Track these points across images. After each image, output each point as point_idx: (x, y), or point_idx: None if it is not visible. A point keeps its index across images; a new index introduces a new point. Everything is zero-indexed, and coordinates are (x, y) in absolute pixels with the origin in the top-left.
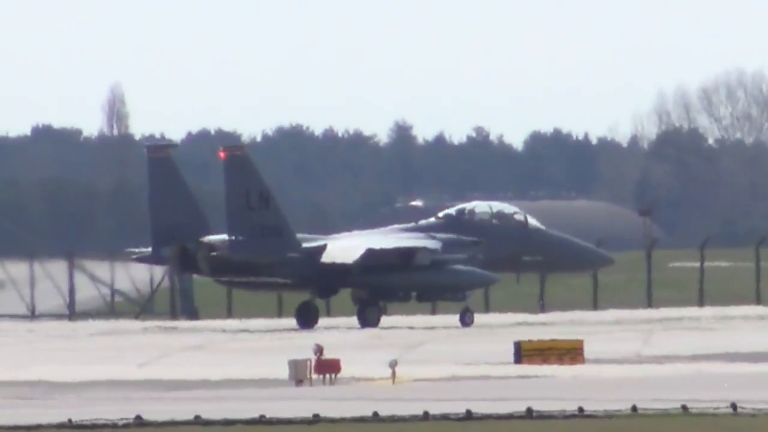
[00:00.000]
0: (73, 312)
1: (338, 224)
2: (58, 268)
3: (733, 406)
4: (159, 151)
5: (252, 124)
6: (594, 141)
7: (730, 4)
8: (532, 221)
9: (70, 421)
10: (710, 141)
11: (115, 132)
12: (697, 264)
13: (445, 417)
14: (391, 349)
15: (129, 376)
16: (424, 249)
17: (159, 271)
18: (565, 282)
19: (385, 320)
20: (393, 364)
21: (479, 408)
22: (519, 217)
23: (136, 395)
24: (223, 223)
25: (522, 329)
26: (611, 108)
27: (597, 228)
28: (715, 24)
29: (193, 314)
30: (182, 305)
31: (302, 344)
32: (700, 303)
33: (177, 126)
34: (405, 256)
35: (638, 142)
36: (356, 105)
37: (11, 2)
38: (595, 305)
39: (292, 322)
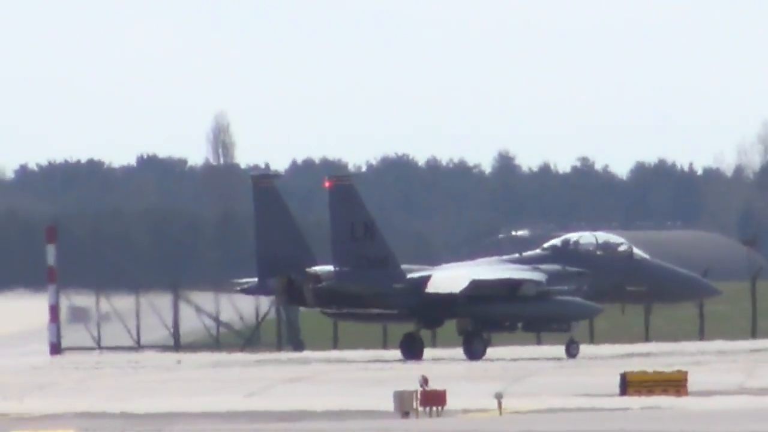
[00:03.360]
0: (178, 344)
1: (442, 255)
2: (163, 299)
3: None
4: (264, 180)
5: (357, 154)
6: (699, 171)
7: None
8: (637, 252)
9: None
10: None
11: (221, 161)
12: None
13: None
14: (497, 381)
15: (235, 408)
16: (530, 281)
17: (265, 303)
18: (670, 312)
19: (490, 351)
20: (499, 396)
21: None
22: (624, 247)
23: (243, 427)
24: (328, 253)
25: (627, 360)
26: (716, 138)
27: (702, 258)
28: None
29: (298, 346)
30: (288, 336)
31: (407, 375)
32: None
33: (282, 155)
34: (510, 287)
35: (743, 171)
36: (460, 134)
37: (118, 33)
38: (701, 335)
39: (397, 353)
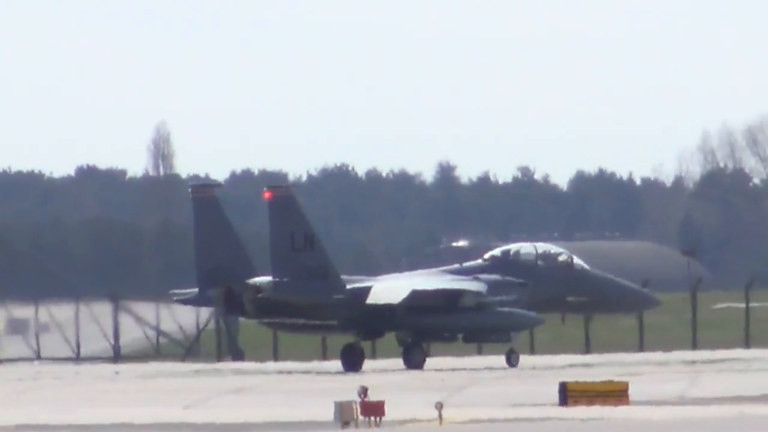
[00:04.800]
0: (118, 354)
1: (382, 265)
2: (103, 309)
3: None
4: (204, 191)
5: (297, 164)
6: (638, 181)
7: None
8: (578, 262)
9: None
10: (755, 181)
11: (161, 172)
12: (742, 305)
13: None
14: (437, 391)
15: (175, 419)
16: (470, 291)
17: (205, 313)
18: (610, 323)
19: (430, 362)
20: (439, 406)
21: None
22: (564, 258)
23: None
24: (267, 264)
25: (567, 371)
26: (656, 148)
27: (642, 268)
28: (760, 64)
29: (238, 356)
30: (228, 347)
31: (347, 386)
32: (746, 344)
33: (221, 166)
34: (450, 298)
35: (683, 182)
36: (400, 145)
37: (56, 43)
38: (641, 346)
39: (337, 364)
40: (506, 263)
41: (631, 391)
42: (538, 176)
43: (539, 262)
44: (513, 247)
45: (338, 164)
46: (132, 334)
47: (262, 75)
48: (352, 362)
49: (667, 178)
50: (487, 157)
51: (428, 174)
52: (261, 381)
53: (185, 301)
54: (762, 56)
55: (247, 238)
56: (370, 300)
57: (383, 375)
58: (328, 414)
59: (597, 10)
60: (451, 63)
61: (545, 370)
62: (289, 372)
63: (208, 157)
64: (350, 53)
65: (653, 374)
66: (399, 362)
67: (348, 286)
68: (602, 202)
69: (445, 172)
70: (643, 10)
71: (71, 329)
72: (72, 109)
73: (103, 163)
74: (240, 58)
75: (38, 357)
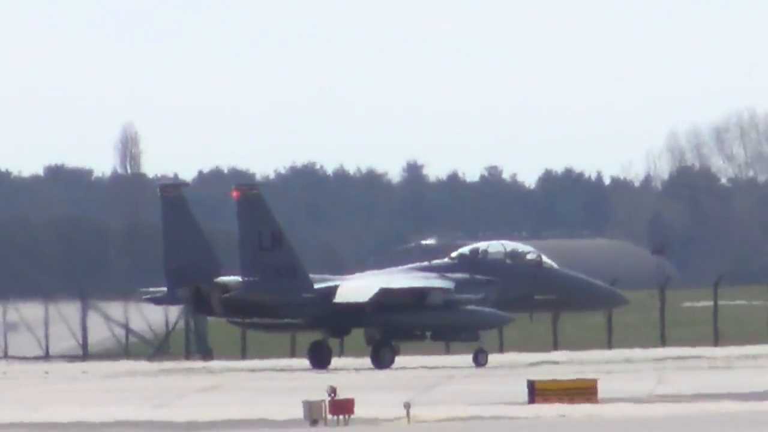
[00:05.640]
0: (86, 353)
1: (350, 264)
2: (71, 308)
3: None
4: (171, 190)
5: (264, 163)
6: (607, 180)
7: (743, 43)
8: (546, 260)
9: None
10: (723, 180)
11: (128, 171)
12: (710, 303)
13: None
14: (406, 390)
15: (143, 417)
16: (438, 289)
17: (173, 312)
18: (578, 321)
19: (398, 360)
20: (408, 405)
21: None
22: (532, 256)
23: None
24: (236, 263)
25: (536, 369)
26: (624, 147)
27: (611, 267)
28: (727, 63)
29: (207, 355)
30: (197, 346)
31: (315, 384)
32: (714, 342)
33: (189, 165)
34: (418, 295)
35: (651, 181)
36: (368, 143)
37: (25, 41)
38: (609, 344)
39: (305, 362)
40: (474, 261)
41: (599, 389)
42: (506, 175)
43: (507, 261)
44: (481, 245)
45: (306, 163)
46: (100, 333)
47: (229, 74)
48: (320, 360)
49: (636, 177)
50: (455, 156)
51: (396, 173)
52: (229, 379)
53: (155, 300)
54: (729, 57)
55: (215, 237)
56: (338, 299)
57: (352, 373)
58: (296, 412)
59: (565, 12)
60: (419, 62)
61: (513, 369)
62: (258, 370)
63: (175, 156)
64: (318, 52)
65: (621, 372)
66: (368, 361)
67: (316, 285)
68: (570, 200)
69: (413, 171)
70: (611, 10)
71: (40, 328)
72: (40, 108)
73: (71, 162)
74: (207, 57)
75: (6, 355)
